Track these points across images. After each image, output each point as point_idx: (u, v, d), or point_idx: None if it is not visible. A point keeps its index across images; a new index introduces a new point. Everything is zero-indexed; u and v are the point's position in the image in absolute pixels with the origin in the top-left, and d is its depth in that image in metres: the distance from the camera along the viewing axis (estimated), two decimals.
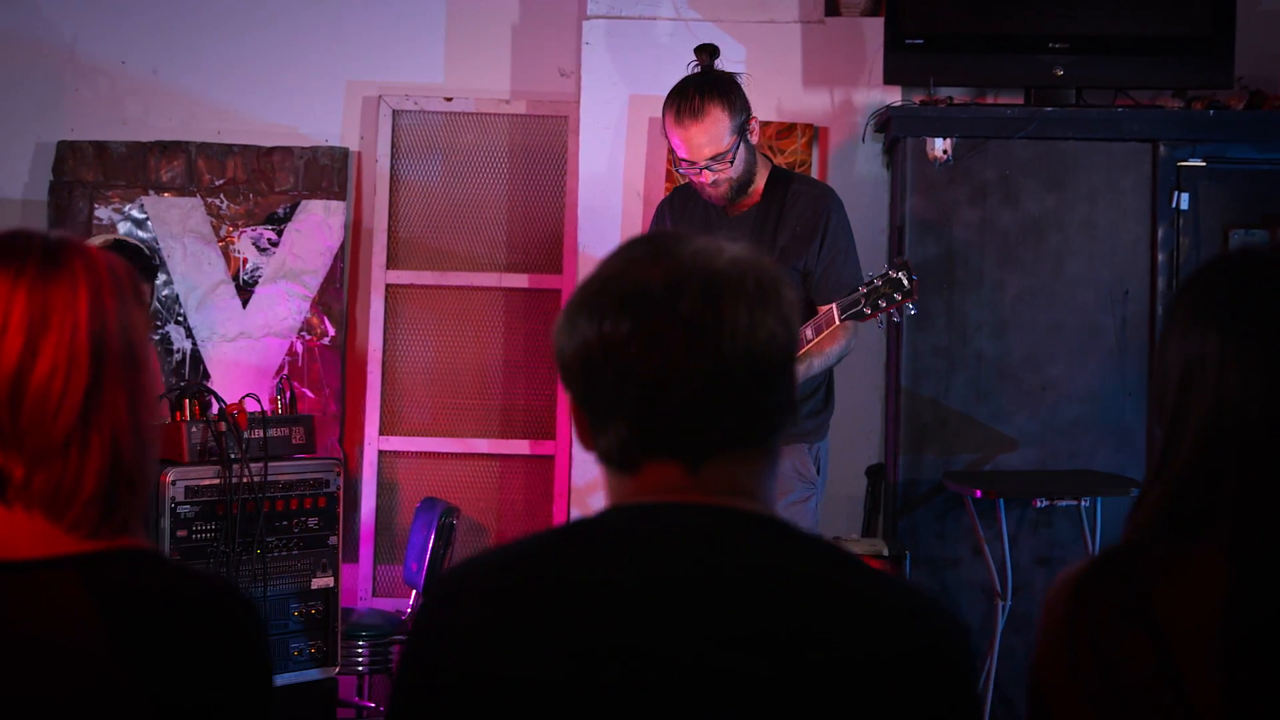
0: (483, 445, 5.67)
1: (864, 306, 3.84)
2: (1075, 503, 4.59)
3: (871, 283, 3.84)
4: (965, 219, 5.06)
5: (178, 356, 5.57)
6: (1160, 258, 5.03)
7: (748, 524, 1.55)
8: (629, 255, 1.58)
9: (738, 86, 4.20)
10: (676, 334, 1.51)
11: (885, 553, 4.65)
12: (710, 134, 4.11)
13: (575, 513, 5.34)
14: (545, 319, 5.68)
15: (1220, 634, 1.63)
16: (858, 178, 5.41)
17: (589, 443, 1.60)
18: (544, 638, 1.50)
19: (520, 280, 5.70)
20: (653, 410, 1.53)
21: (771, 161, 4.44)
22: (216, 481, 4.09)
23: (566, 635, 1.49)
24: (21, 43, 5.71)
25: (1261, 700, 1.61)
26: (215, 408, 4.13)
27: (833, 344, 4.11)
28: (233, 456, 4.10)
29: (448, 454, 5.68)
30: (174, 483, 4.01)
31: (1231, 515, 1.68)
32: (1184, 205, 5.04)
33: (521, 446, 5.68)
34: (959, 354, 5.03)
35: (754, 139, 4.23)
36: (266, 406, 4.31)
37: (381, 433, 5.65)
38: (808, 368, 4.07)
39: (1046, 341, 5.04)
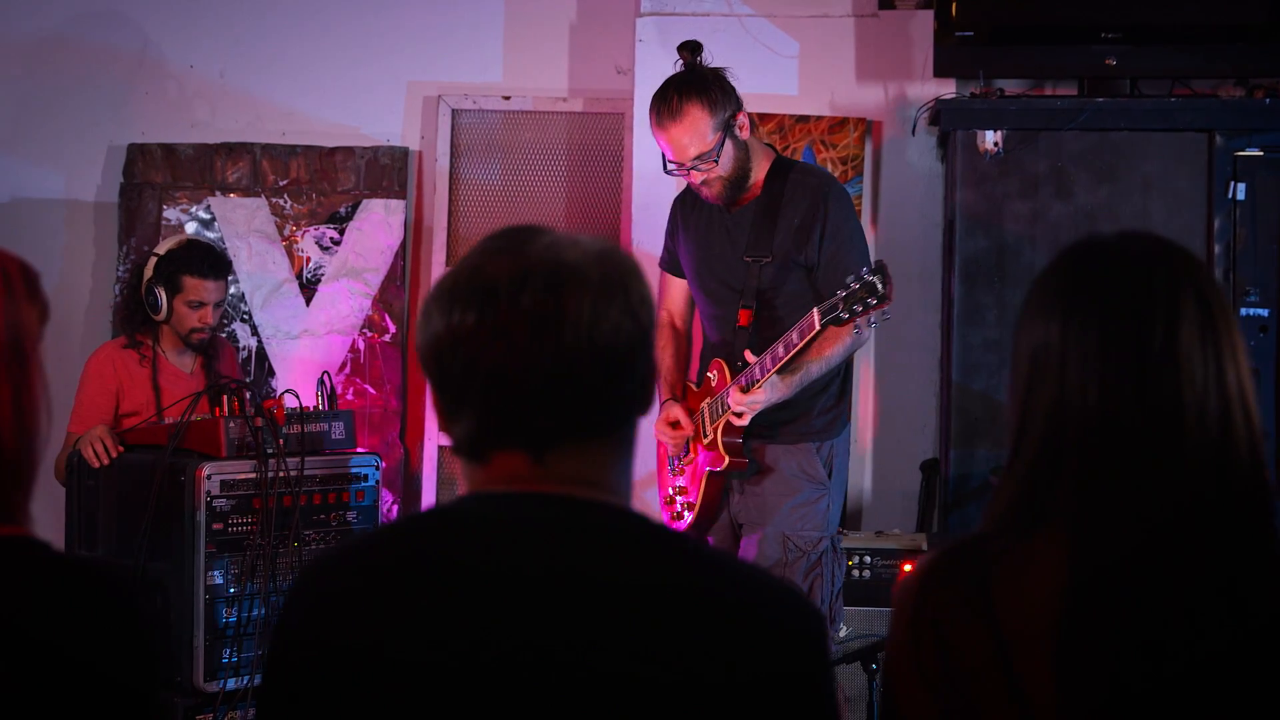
0: None
1: (841, 311, 3.73)
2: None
3: (849, 286, 3.73)
4: (1016, 212, 5.01)
5: (243, 354, 5.69)
6: (1217, 249, 4.95)
7: (591, 513, 1.57)
8: (484, 249, 1.61)
9: (721, 83, 4.08)
10: (519, 326, 1.54)
11: (924, 547, 4.62)
12: (691, 134, 4.03)
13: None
14: None
15: (1053, 624, 1.62)
16: (912, 171, 5.39)
17: (447, 432, 1.64)
18: (397, 617, 1.54)
19: None
20: (497, 401, 1.56)
21: (776, 152, 4.33)
22: (253, 476, 4.18)
23: (418, 616, 1.53)
24: (94, 49, 5.87)
25: (1091, 691, 1.61)
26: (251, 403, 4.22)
27: (833, 347, 4.00)
28: (269, 451, 4.18)
29: None
30: (209, 477, 4.11)
31: (1070, 506, 1.67)
32: (1240, 196, 4.95)
33: None
34: (1010, 348, 4.98)
35: (743, 134, 4.11)
36: (309, 402, 4.39)
37: (441, 429, 5.70)
38: (805, 373, 3.98)
39: None
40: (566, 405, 1.56)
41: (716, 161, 4.06)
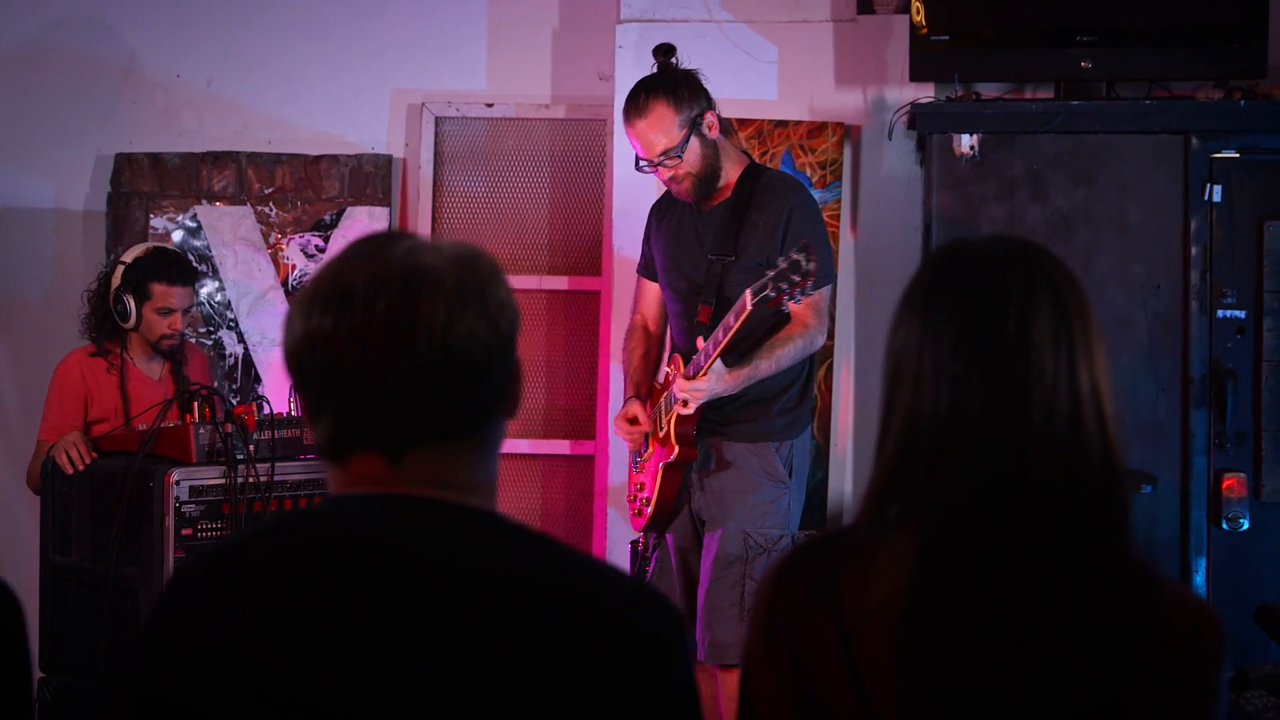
0: (524, 446, 5.75)
1: (770, 290, 3.81)
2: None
3: (778, 266, 3.81)
4: (992, 215, 5.02)
5: (230, 361, 5.73)
6: (1194, 251, 4.95)
7: (445, 514, 1.60)
8: (345, 256, 1.64)
9: (689, 82, 4.23)
10: (374, 330, 1.57)
11: None
12: (657, 129, 4.17)
13: (613, 511, 5.40)
14: (585, 320, 5.75)
15: (896, 617, 1.64)
16: (891, 175, 5.40)
17: (311, 435, 1.67)
18: (253, 625, 1.57)
19: (560, 282, 5.77)
20: (354, 404, 1.59)
21: (750, 157, 4.46)
22: (222, 481, 4.22)
23: (274, 618, 1.56)
24: (81, 59, 5.92)
25: (931, 689, 1.62)
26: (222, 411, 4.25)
27: (784, 348, 4.10)
28: (239, 457, 4.22)
29: None
30: (178, 482, 4.15)
31: (919, 501, 1.69)
32: (1217, 198, 4.95)
33: (562, 446, 5.75)
34: None
35: (711, 133, 4.24)
36: (280, 409, 4.43)
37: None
38: (753, 369, 4.07)
39: None
40: (422, 408, 1.59)
41: (681, 157, 4.18)
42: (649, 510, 4.28)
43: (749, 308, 3.88)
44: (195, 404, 4.27)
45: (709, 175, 4.26)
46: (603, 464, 5.57)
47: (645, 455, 4.34)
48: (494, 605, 1.53)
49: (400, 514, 1.59)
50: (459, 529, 1.60)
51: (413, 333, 1.56)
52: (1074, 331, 1.70)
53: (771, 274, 3.80)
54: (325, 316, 1.58)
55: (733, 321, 3.95)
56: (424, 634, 1.51)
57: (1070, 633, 1.63)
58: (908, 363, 1.73)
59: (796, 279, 3.77)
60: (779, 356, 4.10)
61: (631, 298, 4.74)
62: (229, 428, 4.23)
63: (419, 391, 1.58)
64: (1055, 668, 1.62)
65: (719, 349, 4.00)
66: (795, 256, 3.77)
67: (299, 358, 1.61)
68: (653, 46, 4.36)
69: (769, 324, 4.11)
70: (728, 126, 4.63)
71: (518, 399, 1.69)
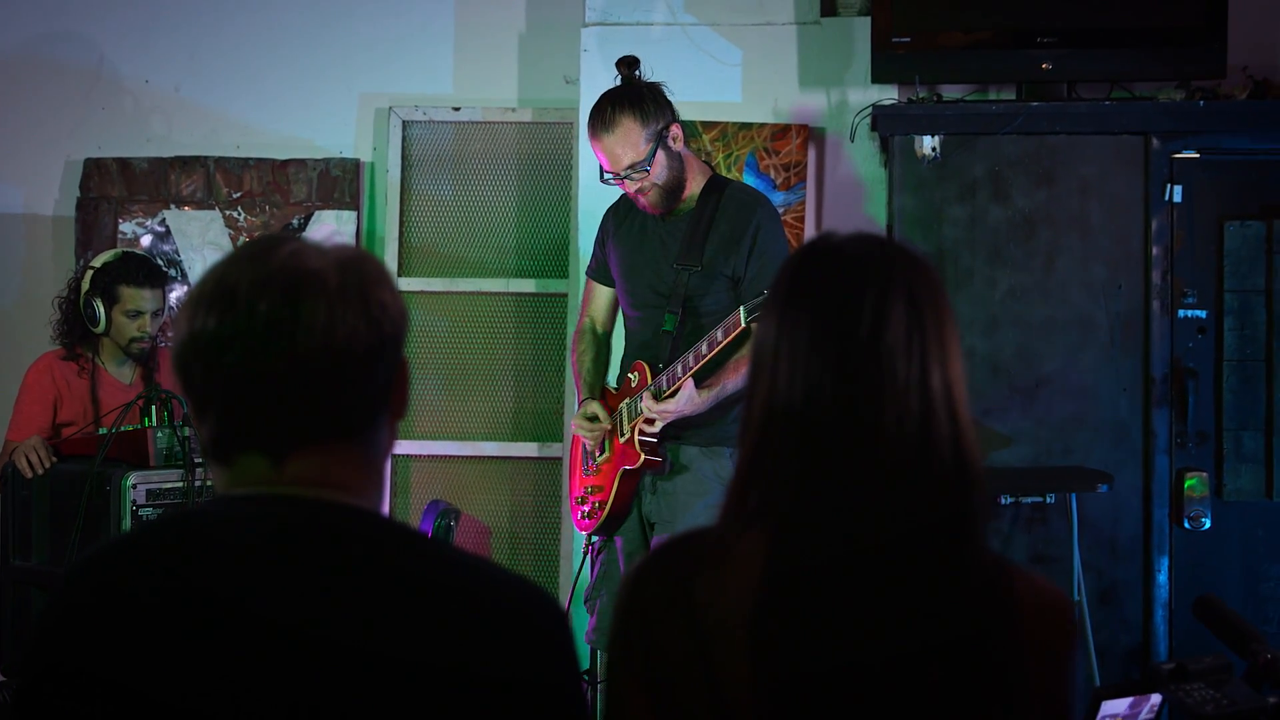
0: (492, 448, 5.76)
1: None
2: (1041, 499, 4.56)
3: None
4: (954, 216, 5.04)
5: None
6: (1155, 251, 4.97)
7: (327, 514, 1.61)
8: (232, 258, 1.65)
9: (655, 95, 4.25)
10: (256, 331, 1.58)
11: None
12: (624, 144, 4.18)
13: None
14: (552, 323, 5.76)
15: (747, 620, 1.64)
16: (855, 177, 5.41)
17: (197, 435, 1.69)
18: (131, 634, 1.58)
19: (528, 285, 5.79)
20: (235, 405, 1.60)
21: (712, 168, 4.47)
22: (180, 485, 4.23)
23: (151, 628, 1.57)
24: (50, 65, 5.93)
25: (780, 685, 1.63)
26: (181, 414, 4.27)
27: (749, 365, 4.09)
28: (197, 461, 4.24)
29: (458, 457, 5.78)
30: (135, 486, 4.16)
31: (772, 501, 1.70)
32: (1178, 198, 4.97)
33: (530, 449, 5.76)
34: None
35: (676, 145, 4.25)
36: None
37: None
38: (720, 390, 4.11)
39: (1039, 338, 5.00)
40: (303, 409, 1.60)
41: (648, 170, 4.19)
42: (602, 513, 4.30)
43: (742, 325, 3.92)
44: (155, 408, 4.28)
45: (674, 187, 4.27)
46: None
47: (602, 456, 4.35)
48: (374, 602, 1.54)
49: (284, 514, 1.60)
50: (339, 528, 1.61)
51: (293, 334, 1.58)
52: (928, 333, 1.71)
53: (769, 293, 3.81)
54: (209, 318, 1.60)
55: (720, 338, 3.99)
56: (313, 635, 1.52)
57: (922, 626, 1.64)
58: (765, 357, 1.75)
59: None
60: (744, 373, 4.10)
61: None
62: (188, 432, 4.24)
63: (300, 392, 1.59)
64: (909, 663, 1.63)
65: (701, 361, 4.04)
66: None
67: (184, 359, 1.62)
68: (620, 52, 4.37)
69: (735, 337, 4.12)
70: (690, 127, 4.64)
71: (405, 400, 1.70)
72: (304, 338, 1.58)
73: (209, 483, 4.24)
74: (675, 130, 4.25)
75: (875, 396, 1.68)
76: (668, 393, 4.11)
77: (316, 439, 1.62)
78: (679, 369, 4.10)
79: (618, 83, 4.31)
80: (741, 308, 3.93)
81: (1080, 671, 4.58)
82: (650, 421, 4.14)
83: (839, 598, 1.64)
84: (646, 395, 4.13)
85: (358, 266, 1.64)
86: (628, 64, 4.32)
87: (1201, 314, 4.97)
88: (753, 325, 3.88)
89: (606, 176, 4.27)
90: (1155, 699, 3.10)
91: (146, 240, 5.76)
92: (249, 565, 1.57)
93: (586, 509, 4.39)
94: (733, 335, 3.97)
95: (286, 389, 1.59)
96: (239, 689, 1.52)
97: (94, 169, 5.84)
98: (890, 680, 1.62)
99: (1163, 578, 4.94)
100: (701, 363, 4.03)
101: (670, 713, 1.67)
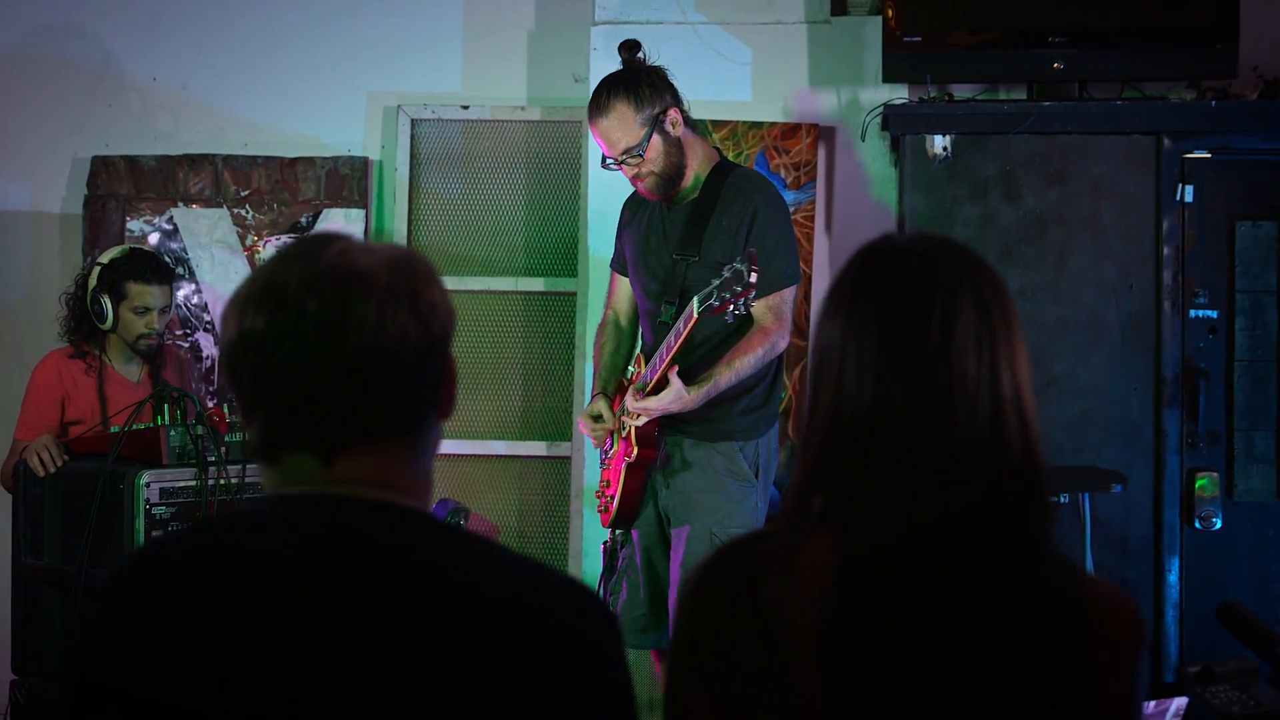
0: (501, 447, 5.76)
1: (714, 299, 3.83)
2: (1055, 499, 4.55)
3: (723, 275, 3.83)
4: (965, 216, 5.04)
5: (207, 363, 5.73)
6: (1166, 251, 4.97)
7: (377, 514, 1.60)
8: (281, 256, 1.65)
9: (652, 79, 4.23)
10: (306, 330, 1.57)
11: None
12: (618, 128, 4.18)
13: (589, 511, 5.40)
14: (561, 322, 5.75)
15: (820, 621, 1.64)
16: (865, 176, 5.41)
17: (246, 434, 1.68)
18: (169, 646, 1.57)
19: (536, 284, 5.78)
20: (286, 404, 1.60)
21: (722, 155, 4.45)
22: (193, 483, 4.22)
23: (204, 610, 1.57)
24: (57, 63, 5.92)
25: (850, 684, 1.63)
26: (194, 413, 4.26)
27: (743, 358, 4.09)
28: (210, 459, 4.23)
29: (467, 455, 5.77)
30: (148, 485, 4.14)
31: (841, 503, 1.69)
32: (1189, 198, 4.97)
33: (538, 448, 5.75)
34: None
35: (675, 131, 4.22)
36: None
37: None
38: (714, 384, 4.07)
39: (1050, 338, 4.99)
40: (353, 408, 1.59)
41: (642, 155, 4.19)
42: (614, 507, 4.30)
43: (694, 316, 3.91)
44: (167, 406, 4.27)
45: (672, 173, 4.24)
46: (579, 465, 5.58)
47: (611, 452, 4.36)
48: (424, 602, 1.53)
49: (334, 514, 1.60)
50: (390, 528, 1.60)
51: (344, 333, 1.57)
52: (996, 334, 1.71)
53: (716, 283, 3.82)
54: (258, 317, 1.59)
55: (683, 328, 3.99)
56: (362, 636, 1.51)
57: (992, 634, 1.63)
58: (831, 361, 1.74)
59: (739, 289, 3.78)
60: (739, 368, 4.09)
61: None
62: (201, 430, 4.22)
63: (350, 392, 1.58)
64: (976, 668, 1.63)
65: (665, 361, 4.04)
66: (738, 266, 3.79)
67: (232, 358, 1.62)
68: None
69: (731, 327, 4.10)
70: (701, 126, 4.63)
71: (452, 400, 1.69)
72: (354, 337, 1.57)
73: (222, 481, 4.24)
74: (674, 115, 4.23)
75: (946, 399, 1.67)
76: (649, 388, 4.10)
77: (366, 439, 1.61)
78: (657, 364, 4.10)
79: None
80: (695, 298, 3.92)
81: None
82: (636, 417, 4.14)
83: (912, 597, 1.64)
84: (631, 391, 4.15)
85: (407, 265, 1.63)
86: (628, 48, 4.32)
87: (1213, 314, 4.97)
88: (704, 315, 3.89)
89: (607, 161, 4.27)
90: (1180, 702, 3.10)
91: (154, 238, 5.75)
92: (295, 574, 1.56)
93: (602, 504, 4.40)
94: (690, 327, 3.95)
95: (336, 388, 1.58)
96: (283, 700, 1.51)
97: (101, 166, 5.82)
98: (962, 676, 1.62)
99: (1173, 578, 4.94)
100: (671, 355, 4.02)
101: (736, 714, 1.67)
